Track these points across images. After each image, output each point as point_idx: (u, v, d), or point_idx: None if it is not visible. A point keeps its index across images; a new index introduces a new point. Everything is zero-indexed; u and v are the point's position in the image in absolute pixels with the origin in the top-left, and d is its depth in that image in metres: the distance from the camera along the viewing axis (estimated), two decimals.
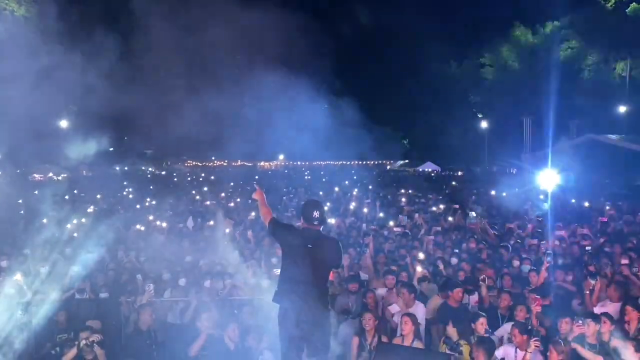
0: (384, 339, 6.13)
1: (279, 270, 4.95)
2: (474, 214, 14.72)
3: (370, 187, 29.83)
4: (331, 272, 4.99)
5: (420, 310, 6.69)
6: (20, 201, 19.03)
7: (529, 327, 5.86)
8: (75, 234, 12.16)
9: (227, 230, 12.33)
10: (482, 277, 7.44)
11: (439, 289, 7.44)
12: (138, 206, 18.65)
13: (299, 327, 4.55)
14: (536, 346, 5.20)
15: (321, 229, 4.82)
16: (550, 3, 42.19)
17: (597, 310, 6.52)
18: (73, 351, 5.35)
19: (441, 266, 8.59)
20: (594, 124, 36.35)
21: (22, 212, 16.62)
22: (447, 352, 5.54)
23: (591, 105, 40.18)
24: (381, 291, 7.64)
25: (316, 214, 4.70)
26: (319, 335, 4.60)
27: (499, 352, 5.52)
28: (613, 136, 32.23)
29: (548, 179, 14.54)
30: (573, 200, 19.40)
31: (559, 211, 15.87)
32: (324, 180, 36.76)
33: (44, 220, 13.34)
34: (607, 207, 16.16)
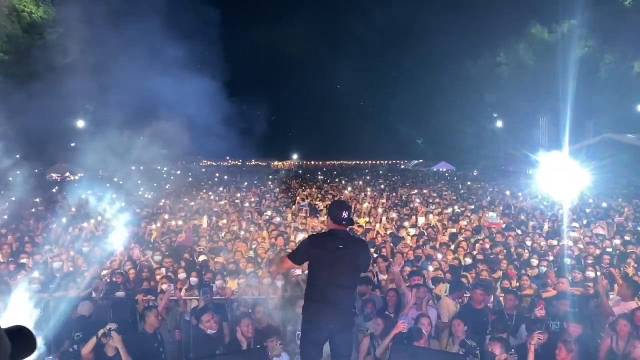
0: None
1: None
2: (494, 214, 14.63)
3: (383, 186, 29.85)
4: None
5: (432, 313, 6.65)
6: (38, 200, 19.32)
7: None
8: (92, 233, 12.32)
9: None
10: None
11: (450, 291, 7.39)
12: (154, 205, 18.80)
13: (325, 330, 4.52)
14: (539, 339, 5.15)
15: (348, 229, 4.80)
16: (567, 1, 41.69)
17: (615, 310, 6.47)
18: (93, 341, 5.44)
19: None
20: (612, 123, 35.87)
21: (40, 210, 16.85)
22: (462, 353, 5.50)
23: (609, 104, 39.65)
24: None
25: (345, 214, 4.65)
26: (343, 336, 4.58)
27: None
28: (631, 135, 31.78)
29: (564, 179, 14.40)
30: (590, 200, 19.21)
31: (575, 211, 15.72)
32: (337, 180, 36.77)
33: (63, 219, 13.51)
34: (626, 209, 15.94)
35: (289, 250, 9.50)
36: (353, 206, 17.52)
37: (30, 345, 1.57)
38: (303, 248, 4.77)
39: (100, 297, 7.35)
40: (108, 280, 8.17)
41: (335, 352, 4.61)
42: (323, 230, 5.00)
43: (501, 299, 7.26)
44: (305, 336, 4.59)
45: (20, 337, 1.54)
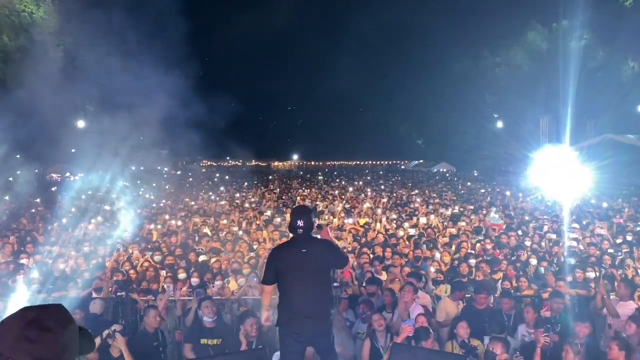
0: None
1: None
2: (496, 215, 14.60)
3: (383, 187, 29.84)
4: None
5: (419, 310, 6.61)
6: (38, 200, 19.32)
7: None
8: (92, 233, 12.31)
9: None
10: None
11: (451, 291, 7.38)
12: (154, 205, 18.80)
13: (303, 340, 4.48)
14: (545, 341, 5.13)
15: (311, 234, 4.68)
16: (567, 2, 41.69)
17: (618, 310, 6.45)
18: (97, 341, 5.42)
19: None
20: (612, 123, 35.82)
21: (40, 210, 16.84)
22: (461, 353, 5.49)
23: (609, 104, 39.62)
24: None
25: (299, 223, 4.53)
26: (322, 340, 4.54)
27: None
28: (632, 136, 31.74)
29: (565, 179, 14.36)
30: (593, 201, 19.17)
31: (576, 211, 15.70)
32: (337, 181, 36.79)
33: (63, 220, 13.51)
34: (626, 209, 15.92)
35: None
36: (353, 206, 17.49)
37: (88, 346, 1.67)
38: (268, 265, 4.63)
39: (102, 296, 7.33)
40: (109, 279, 8.16)
41: (318, 354, 4.60)
42: (285, 240, 4.91)
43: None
44: (285, 349, 4.52)
45: (83, 337, 1.64)
